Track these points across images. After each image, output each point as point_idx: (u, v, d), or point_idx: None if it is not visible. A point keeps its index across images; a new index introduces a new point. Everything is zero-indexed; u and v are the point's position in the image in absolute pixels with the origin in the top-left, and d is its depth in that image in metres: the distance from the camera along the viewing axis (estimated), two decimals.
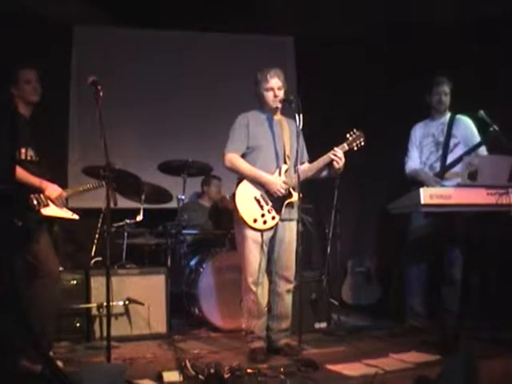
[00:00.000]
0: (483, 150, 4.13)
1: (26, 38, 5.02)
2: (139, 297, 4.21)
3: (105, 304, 3.49)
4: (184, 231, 4.89)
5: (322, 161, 3.72)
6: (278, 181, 3.67)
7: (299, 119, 3.52)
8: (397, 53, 5.59)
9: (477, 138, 4.19)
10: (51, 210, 3.36)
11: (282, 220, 3.71)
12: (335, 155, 3.67)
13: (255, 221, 3.63)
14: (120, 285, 4.19)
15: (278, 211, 3.68)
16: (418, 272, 4.31)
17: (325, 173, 3.83)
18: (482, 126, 4.13)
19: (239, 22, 5.80)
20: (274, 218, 3.67)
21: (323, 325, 4.49)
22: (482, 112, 3.97)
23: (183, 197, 4.93)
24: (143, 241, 4.99)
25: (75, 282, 4.17)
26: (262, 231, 3.64)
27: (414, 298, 4.32)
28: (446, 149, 4.23)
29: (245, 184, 3.71)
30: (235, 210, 3.68)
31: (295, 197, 3.70)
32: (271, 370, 3.25)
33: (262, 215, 3.65)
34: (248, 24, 5.89)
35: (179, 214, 4.90)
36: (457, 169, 4.11)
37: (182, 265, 4.82)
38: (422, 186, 3.90)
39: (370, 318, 5.02)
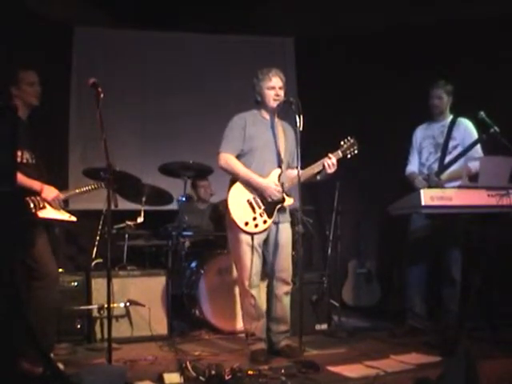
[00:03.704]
0: (478, 149, 4.13)
1: (26, 39, 5.02)
2: (140, 298, 4.22)
3: (106, 306, 3.50)
4: (185, 233, 4.89)
5: (316, 167, 3.70)
6: (272, 185, 3.66)
7: (299, 121, 3.52)
8: (397, 53, 5.59)
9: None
10: (48, 213, 3.33)
11: (274, 223, 3.71)
12: (329, 162, 3.65)
13: (246, 224, 3.63)
14: (121, 286, 4.20)
15: (270, 215, 3.68)
16: (418, 273, 4.31)
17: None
18: (482, 127, 4.12)
19: (239, 23, 5.80)
20: (265, 221, 3.66)
21: (324, 326, 4.49)
22: (482, 113, 3.96)
23: (184, 198, 4.93)
24: (144, 242, 4.99)
25: (76, 283, 4.18)
26: (252, 234, 3.64)
27: (415, 299, 4.32)
28: (444, 150, 4.23)
29: (238, 186, 3.70)
30: (227, 212, 3.68)
31: (287, 201, 3.71)
32: (272, 371, 3.25)
33: (254, 218, 3.64)
34: (248, 25, 5.89)
35: (180, 215, 4.90)
36: (454, 168, 4.11)
37: (183, 266, 4.81)
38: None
39: (371, 319, 5.01)
